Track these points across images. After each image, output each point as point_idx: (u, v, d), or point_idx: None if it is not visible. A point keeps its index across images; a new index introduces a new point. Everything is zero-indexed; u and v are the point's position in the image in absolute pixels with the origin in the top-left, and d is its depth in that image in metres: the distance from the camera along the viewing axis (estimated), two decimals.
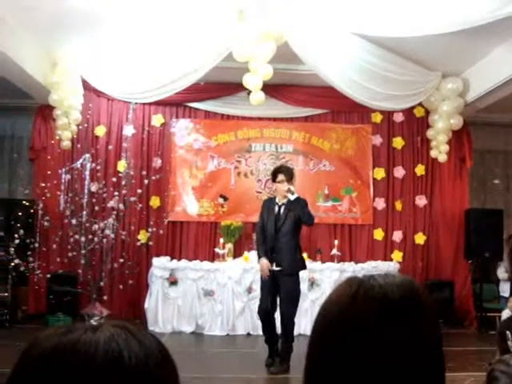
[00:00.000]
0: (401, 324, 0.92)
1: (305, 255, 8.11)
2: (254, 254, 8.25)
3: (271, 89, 8.09)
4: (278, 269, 5.77)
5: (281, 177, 5.84)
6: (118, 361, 0.73)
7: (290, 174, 5.90)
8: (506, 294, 8.10)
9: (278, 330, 5.97)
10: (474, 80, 8.36)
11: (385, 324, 0.92)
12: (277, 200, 5.96)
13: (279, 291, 5.79)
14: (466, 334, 8.14)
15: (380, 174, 9.29)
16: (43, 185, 8.28)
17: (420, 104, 8.87)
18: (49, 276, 8.14)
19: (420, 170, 9.29)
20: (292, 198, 5.78)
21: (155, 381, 0.76)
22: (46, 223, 8.20)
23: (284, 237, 5.81)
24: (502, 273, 8.46)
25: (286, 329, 5.79)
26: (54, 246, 8.27)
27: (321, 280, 8.00)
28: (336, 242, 8.75)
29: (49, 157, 8.57)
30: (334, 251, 8.62)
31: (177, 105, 9.09)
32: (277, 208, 5.90)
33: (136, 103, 8.72)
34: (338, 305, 0.98)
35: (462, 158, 9.19)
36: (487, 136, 9.77)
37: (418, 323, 0.94)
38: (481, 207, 9.71)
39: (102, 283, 8.22)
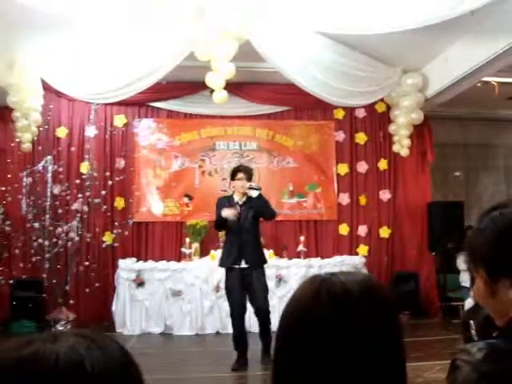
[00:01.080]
0: (361, 318, 0.96)
1: (271, 252, 8.20)
2: (220, 252, 8.24)
3: (234, 87, 8.08)
4: (246, 266, 5.82)
5: (240, 175, 5.92)
6: (79, 370, 0.72)
7: (249, 173, 6.03)
8: (467, 284, 8.25)
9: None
10: (433, 75, 8.51)
11: (346, 319, 0.96)
12: (236, 199, 6.00)
13: (248, 289, 5.82)
14: (432, 324, 8.29)
15: (343, 169, 9.38)
16: (3, 188, 8.12)
17: (381, 100, 8.99)
18: (11, 282, 7.98)
19: (383, 164, 9.42)
20: (255, 194, 5.86)
21: None
22: (7, 228, 8.04)
23: (248, 234, 5.87)
24: (461, 263, 8.64)
25: (265, 322, 5.81)
26: (17, 250, 8.12)
27: (288, 276, 8.04)
28: (302, 238, 8.81)
29: (8, 160, 8.39)
30: (300, 247, 8.67)
31: (139, 105, 9.00)
32: (238, 207, 5.92)
33: (97, 104, 8.60)
34: (302, 302, 1.02)
35: (424, 152, 9.36)
36: (447, 130, 9.97)
37: (377, 317, 0.98)
38: (442, 200, 9.90)
39: (67, 287, 8.11)
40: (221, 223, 5.98)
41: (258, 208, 5.88)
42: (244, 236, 5.85)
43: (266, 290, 5.91)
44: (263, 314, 5.84)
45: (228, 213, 5.80)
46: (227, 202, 5.99)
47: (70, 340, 0.76)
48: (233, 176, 6.02)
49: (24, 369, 0.72)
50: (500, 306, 1.17)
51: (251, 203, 5.89)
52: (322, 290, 1.00)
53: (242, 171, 5.97)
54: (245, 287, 5.83)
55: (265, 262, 6.09)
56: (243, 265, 5.82)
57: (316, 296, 1.00)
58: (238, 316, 5.89)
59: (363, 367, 0.95)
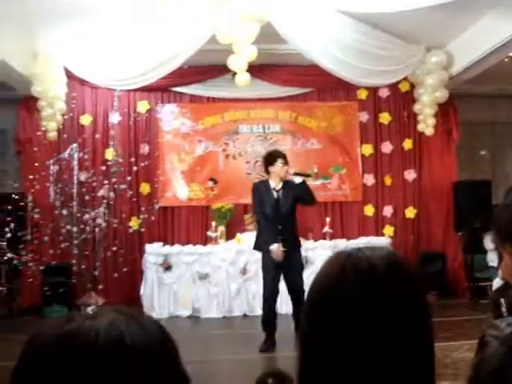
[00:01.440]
0: (388, 294, 0.96)
1: None
2: (247, 236, 8.28)
3: (256, 69, 8.04)
4: (284, 249, 5.85)
5: (280, 160, 5.91)
6: (119, 344, 0.74)
7: (286, 159, 5.99)
8: (494, 264, 8.17)
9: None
10: (457, 52, 8.36)
11: (373, 294, 0.96)
12: (273, 184, 5.98)
13: (284, 269, 5.87)
14: (460, 304, 8.23)
15: (368, 150, 9.31)
16: (31, 177, 8.24)
17: (405, 78, 8.88)
18: (42, 268, 8.13)
19: (408, 144, 9.32)
20: (298, 181, 5.90)
21: (158, 362, 0.77)
22: (36, 215, 8.17)
23: (287, 219, 5.93)
24: (489, 243, 8.54)
25: (299, 300, 5.74)
26: (46, 237, 8.26)
27: (314, 258, 8.04)
28: (327, 219, 8.78)
29: (35, 148, 8.49)
30: (326, 229, 8.65)
31: (162, 90, 9.03)
32: (275, 193, 5.96)
33: (120, 90, 8.64)
34: (328, 278, 1.02)
35: (449, 131, 9.23)
36: (473, 108, 9.80)
37: (404, 293, 0.98)
38: (469, 179, 9.76)
39: (96, 272, 8.24)
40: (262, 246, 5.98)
41: (301, 194, 5.93)
42: (282, 220, 5.89)
43: (301, 269, 6.04)
44: (297, 291, 5.79)
45: (276, 254, 5.78)
46: (264, 187, 6.01)
47: (110, 316, 0.78)
48: (271, 161, 5.96)
49: (65, 344, 0.74)
50: None
51: (289, 188, 5.92)
52: (348, 266, 0.99)
53: (282, 157, 5.96)
54: (280, 268, 5.87)
55: (300, 243, 6.18)
56: (281, 248, 5.83)
57: (342, 271, 1.00)
58: (270, 297, 5.91)
59: (390, 344, 0.94)
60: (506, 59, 8.23)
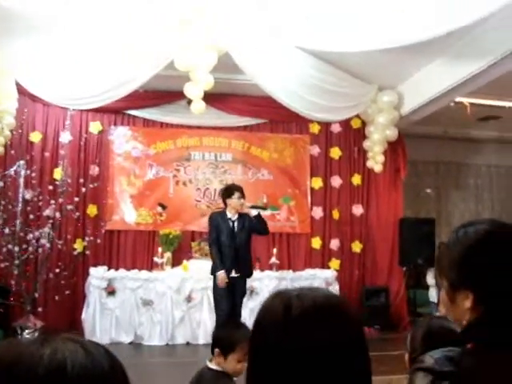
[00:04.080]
0: (331, 331, 1.03)
1: None
2: (193, 263, 8.24)
3: (211, 98, 8.08)
4: (237, 275, 6.22)
5: (238, 194, 6.30)
6: (60, 371, 0.73)
7: (243, 192, 6.40)
8: (435, 300, 8.39)
9: None
10: (408, 94, 8.66)
11: (318, 331, 1.02)
12: (229, 215, 6.33)
13: (232, 295, 6.20)
14: (401, 339, 8.35)
15: (317, 183, 9.46)
16: None
17: (357, 116, 9.11)
18: None
19: (356, 179, 9.52)
20: (254, 213, 6.30)
21: None
22: None
23: (242, 248, 6.30)
24: (430, 279, 8.74)
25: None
26: None
27: (260, 289, 8.04)
28: (274, 250, 8.82)
29: None
30: (273, 259, 8.68)
31: (115, 112, 8.95)
32: (231, 223, 6.31)
33: (73, 109, 8.52)
34: (273, 315, 1.08)
35: (397, 169, 9.49)
36: (420, 147, 10.12)
37: (346, 330, 1.06)
38: (414, 216, 10.04)
39: (36, 294, 7.99)
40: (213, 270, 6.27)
41: (256, 226, 6.34)
42: (239, 250, 6.25)
43: (244, 295, 6.44)
44: (238, 316, 6.17)
45: (220, 281, 6.09)
46: (221, 218, 6.33)
47: (55, 343, 0.77)
48: (229, 194, 6.34)
49: (8, 368, 0.73)
50: (458, 314, 1.30)
51: (244, 220, 6.30)
52: (293, 305, 1.06)
53: (239, 190, 6.36)
54: (233, 295, 6.20)
55: (251, 273, 6.57)
56: (233, 274, 6.18)
57: (287, 310, 1.05)
58: (225, 313, 6.11)
59: (332, 380, 1.02)
60: (452, 104, 8.57)
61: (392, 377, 5.52)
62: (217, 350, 2.93)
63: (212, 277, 6.28)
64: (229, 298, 6.14)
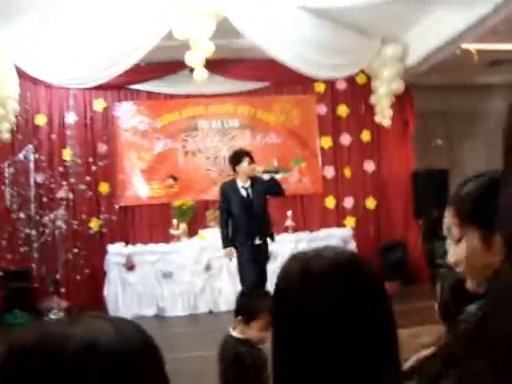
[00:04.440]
0: (350, 290, 1.03)
1: None
2: (209, 232, 8.27)
3: (213, 65, 7.94)
4: (260, 242, 6.09)
5: (247, 159, 6.06)
6: (91, 349, 0.73)
7: (251, 157, 6.15)
8: None
9: None
10: (412, 45, 8.47)
11: (336, 290, 1.03)
12: (240, 183, 6.12)
13: (258, 264, 6.05)
14: (423, 291, 8.37)
15: (327, 142, 9.39)
16: None
17: (362, 71, 8.97)
18: (1, 274, 7.92)
19: (366, 136, 9.44)
20: (267, 178, 6.06)
21: (135, 367, 0.76)
22: None
23: (259, 214, 6.08)
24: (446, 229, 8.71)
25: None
26: (3, 242, 8.04)
27: (277, 252, 8.05)
28: (289, 213, 8.81)
29: None
30: (288, 222, 8.69)
31: (118, 88, 8.89)
32: (244, 191, 6.10)
33: (76, 89, 8.47)
34: (291, 278, 1.08)
35: (406, 122, 9.39)
36: (428, 98, 9.97)
37: (365, 287, 1.05)
38: (426, 168, 9.94)
39: (57, 276, 8.09)
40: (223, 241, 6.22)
41: (270, 188, 6.12)
42: (254, 215, 6.04)
43: (268, 259, 6.29)
44: (263, 281, 6.00)
45: (227, 255, 6.16)
46: (231, 189, 6.13)
47: (87, 321, 0.77)
48: (238, 161, 6.10)
49: (41, 348, 0.73)
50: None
51: (258, 184, 6.07)
52: (311, 267, 1.05)
53: (248, 155, 6.11)
54: (255, 262, 6.04)
55: (273, 235, 6.40)
56: (257, 241, 6.05)
57: (306, 272, 1.05)
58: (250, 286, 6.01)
59: (357, 336, 1.01)
60: (458, 51, 8.39)
61: (420, 328, 5.56)
62: (239, 317, 2.95)
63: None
64: (253, 267, 6.00)
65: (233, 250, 6.06)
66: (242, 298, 3.20)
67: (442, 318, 2.40)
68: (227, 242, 6.10)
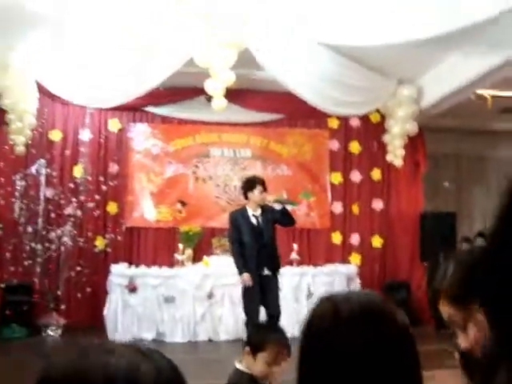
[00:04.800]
0: (378, 330, 1.04)
1: None
2: (214, 259, 8.25)
3: (230, 94, 8.03)
4: (268, 273, 5.95)
5: (260, 187, 5.99)
6: (134, 381, 0.73)
7: (265, 185, 6.08)
8: None
9: None
10: (428, 87, 8.57)
11: (364, 331, 1.04)
12: (251, 211, 6.06)
13: (265, 294, 5.93)
14: (425, 334, 8.28)
15: (337, 178, 9.42)
16: None
17: (376, 110, 9.03)
18: (2, 286, 7.90)
19: (376, 174, 9.46)
20: (278, 207, 5.97)
21: None
22: None
23: (269, 244, 6.01)
24: None
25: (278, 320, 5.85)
26: (8, 254, 8.04)
27: (281, 284, 8.01)
28: (295, 246, 8.79)
29: (1, 163, 8.29)
30: (293, 255, 8.66)
31: (134, 109, 8.96)
32: (254, 219, 6.03)
33: (93, 108, 8.55)
34: (321, 319, 1.09)
35: (417, 163, 9.42)
36: (440, 141, 10.02)
37: (390, 329, 1.06)
38: (434, 210, 9.95)
39: (59, 292, 8.05)
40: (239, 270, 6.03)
41: (282, 219, 6.03)
42: (264, 245, 5.95)
43: (278, 295, 6.08)
44: (276, 318, 5.87)
45: (245, 282, 5.89)
46: (242, 217, 6.06)
47: (124, 353, 0.77)
48: (250, 188, 6.03)
49: (79, 381, 0.73)
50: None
51: (268, 213, 5.99)
52: (342, 309, 1.07)
53: (260, 183, 6.03)
54: (260, 293, 5.92)
55: (280, 268, 6.26)
56: (266, 272, 5.94)
57: (336, 315, 1.07)
58: (253, 317, 5.90)
59: (384, 379, 1.02)
60: (472, 96, 8.47)
61: (427, 373, 5.48)
62: (247, 348, 2.90)
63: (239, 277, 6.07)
64: (258, 300, 5.91)
65: (249, 275, 5.87)
66: (252, 328, 3.17)
67: (464, 369, 2.35)
68: (243, 269, 5.92)
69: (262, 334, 2.96)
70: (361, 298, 1.12)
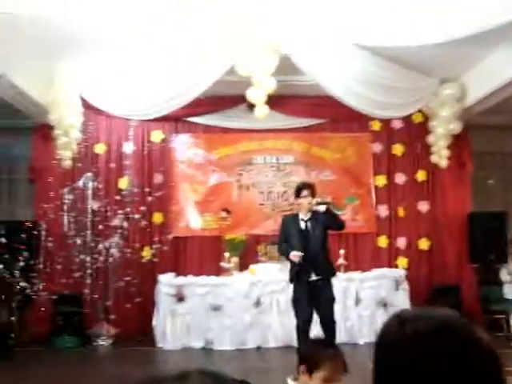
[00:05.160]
0: (447, 354, 0.97)
1: None
2: (260, 267, 8.25)
3: (271, 100, 8.03)
4: (317, 278, 5.88)
5: (305, 192, 5.99)
6: None
7: (313, 189, 6.08)
8: (510, 297, 8.11)
9: None
10: (471, 85, 8.41)
11: (430, 352, 0.97)
12: (301, 216, 6.06)
13: (316, 300, 5.87)
14: None
15: (381, 181, 9.31)
16: (45, 205, 8.23)
17: (419, 110, 8.91)
18: (55, 297, 8.07)
19: (421, 175, 9.32)
20: (322, 209, 5.93)
21: None
22: (49, 244, 8.14)
23: (317, 248, 5.94)
24: (504, 275, 8.46)
25: (332, 332, 5.81)
26: (59, 266, 8.21)
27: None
28: (341, 251, 8.70)
29: (50, 177, 8.49)
30: (340, 261, 8.56)
31: (176, 120, 9.07)
32: (303, 224, 6.02)
33: (136, 120, 8.68)
34: (389, 343, 1.05)
35: (462, 163, 9.24)
36: (485, 138, 9.80)
37: (465, 356, 0.97)
38: (483, 210, 9.73)
39: (108, 302, 8.17)
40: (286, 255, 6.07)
41: (327, 222, 5.97)
42: (312, 250, 5.90)
43: (333, 301, 5.97)
44: (328, 324, 5.84)
45: (295, 258, 5.84)
46: (293, 221, 6.09)
47: (198, 379, 0.78)
48: (298, 193, 6.07)
49: None
50: None
51: (317, 217, 5.97)
52: (407, 324, 1.03)
53: (307, 188, 6.05)
54: (312, 298, 5.85)
55: (334, 273, 6.20)
56: (313, 277, 5.87)
57: (401, 329, 1.03)
58: (304, 327, 5.84)
59: None
60: None
61: None
62: (302, 366, 2.86)
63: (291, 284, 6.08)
64: (308, 304, 5.84)
65: (298, 253, 5.82)
66: (305, 347, 3.12)
67: None
68: (289, 250, 5.90)
69: (317, 351, 2.91)
70: (432, 314, 1.05)
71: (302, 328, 5.84)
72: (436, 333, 1.00)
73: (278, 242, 6.36)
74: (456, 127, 8.74)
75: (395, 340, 1.03)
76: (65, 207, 8.25)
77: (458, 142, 9.10)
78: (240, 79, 6.96)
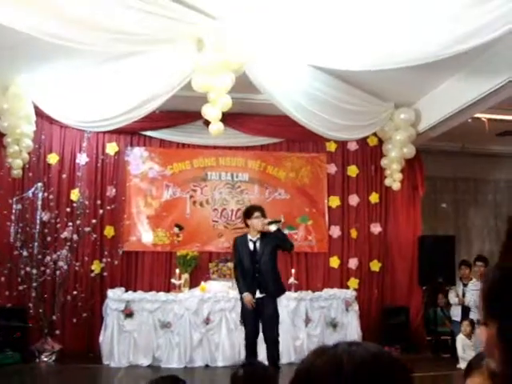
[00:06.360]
0: None
1: None
2: (211, 284, 8.17)
3: (227, 118, 8.02)
4: (262, 295, 6.14)
5: (257, 213, 6.24)
6: None
7: (263, 211, 6.33)
8: (458, 319, 8.25)
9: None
10: (425, 111, 8.61)
11: None
12: (250, 236, 6.29)
13: (260, 317, 6.13)
14: (423, 359, 8.18)
15: (335, 202, 9.38)
16: None
17: (374, 133, 9.05)
18: None
19: (374, 197, 9.44)
20: (274, 229, 6.21)
21: None
22: None
23: (265, 267, 6.20)
24: (452, 297, 8.60)
25: (274, 350, 6.06)
26: (2, 278, 7.96)
27: (279, 309, 7.92)
28: (293, 270, 8.71)
29: None
30: (291, 280, 8.56)
31: (131, 133, 8.96)
32: (251, 244, 6.25)
33: (90, 131, 8.54)
34: (321, 371, 1.00)
35: (415, 186, 9.41)
36: (438, 163, 10.03)
37: None
38: (433, 233, 9.92)
39: (53, 317, 7.96)
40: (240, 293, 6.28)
41: (278, 241, 6.25)
42: (261, 269, 6.18)
43: (276, 318, 6.21)
44: (270, 342, 6.06)
45: (247, 304, 6.10)
46: (242, 242, 6.33)
47: None
48: (249, 215, 6.29)
49: None
50: None
51: (267, 238, 6.21)
52: (344, 362, 0.98)
53: (258, 210, 6.32)
54: (258, 315, 6.12)
55: (283, 291, 6.49)
56: (258, 295, 6.12)
57: (338, 367, 0.98)
58: (250, 340, 6.13)
59: None
60: (470, 120, 8.49)
61: None
62: None
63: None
64: (253, 320, 6.10)
65: (249, 295, 6.09)
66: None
67: None
68: (243, 288, 6.18)
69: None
70: (362, 351, 1.01)
71: (249, 338, 6.13)
72: (374, 367, 0.99)
73: (234, 262, 6.57)
74: (409, 151, 8.90)
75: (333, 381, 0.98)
76: (12, 217, 8.02)
77: (411, 166, 9.27)
78: (197, 95, 6.92)
